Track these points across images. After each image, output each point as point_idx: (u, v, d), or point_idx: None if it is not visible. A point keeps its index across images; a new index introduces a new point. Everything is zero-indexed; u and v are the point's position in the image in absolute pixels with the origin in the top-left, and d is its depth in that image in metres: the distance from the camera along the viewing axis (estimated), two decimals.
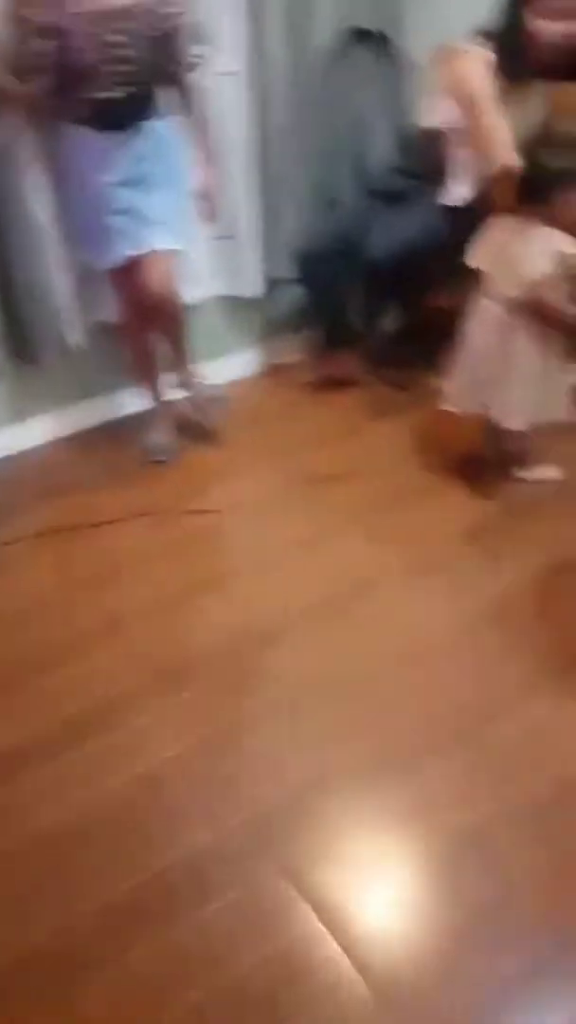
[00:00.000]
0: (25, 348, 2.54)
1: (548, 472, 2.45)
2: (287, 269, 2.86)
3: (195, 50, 2.23)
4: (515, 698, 1.78)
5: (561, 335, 2.22)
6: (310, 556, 2.23)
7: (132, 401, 2.81)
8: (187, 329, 2.61)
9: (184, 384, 2.73)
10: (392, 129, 2.92)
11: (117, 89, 2.10)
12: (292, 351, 3.10)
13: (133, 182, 2.25)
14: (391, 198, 2.77)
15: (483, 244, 2.29)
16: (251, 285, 2.84)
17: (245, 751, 1.70)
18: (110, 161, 2.21)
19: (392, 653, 1.90)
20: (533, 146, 2.26)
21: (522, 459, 2.45)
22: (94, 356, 2.68)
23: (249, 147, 2.67)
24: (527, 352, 2.24)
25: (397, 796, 1.59)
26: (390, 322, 3.08)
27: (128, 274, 2.33)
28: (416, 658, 1.88)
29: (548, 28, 2.39)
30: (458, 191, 2.69)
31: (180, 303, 2.49)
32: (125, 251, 2.28)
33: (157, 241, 2.29)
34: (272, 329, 3.06)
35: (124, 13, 2.02)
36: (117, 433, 2.77)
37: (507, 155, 2.37)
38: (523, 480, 2.44)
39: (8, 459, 2.68)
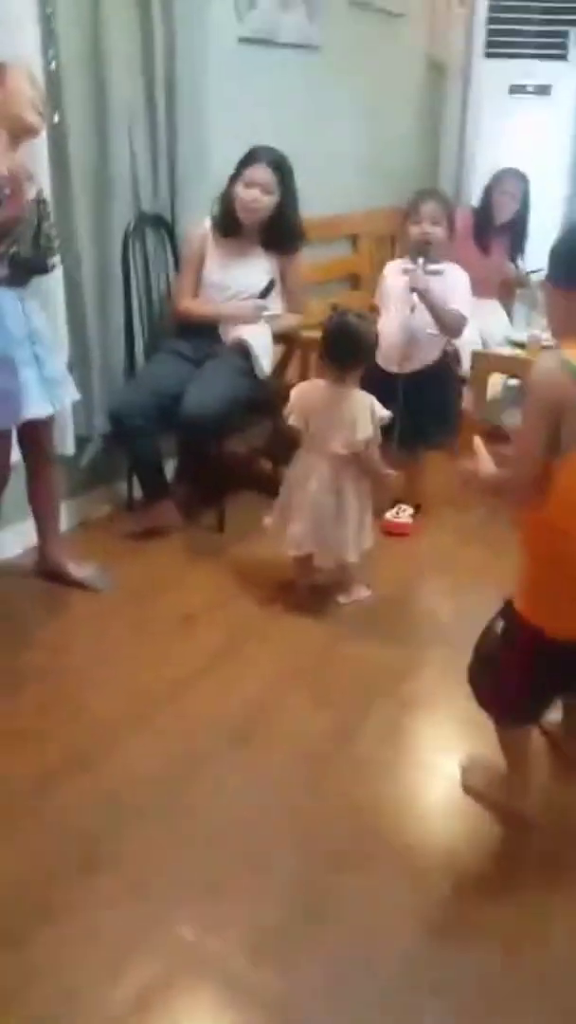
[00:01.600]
0: None
1: (361, 592, 2.74)
2: (99, 426, 2.98)
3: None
4: None
5: (375, 484, 2.59)
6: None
7: None
8: None
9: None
10: None
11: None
12: (102, 505, 3.17)
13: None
14: (199, 360, 3.02)
15: (299, 404, 2.55)
16: (62, 444, 2.90)
17: None
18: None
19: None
20: (339, 312, 2.60)
21: (343, 586, 2.72)
22: None
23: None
24: (353, 498, 2.55)
25: None
26: (193, 468, 3.30)
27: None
28: None
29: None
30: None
31: None
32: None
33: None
34: (81, 485, 3.11)
35: None
36: None
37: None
38: (344, 603, 2.71)
39: None
